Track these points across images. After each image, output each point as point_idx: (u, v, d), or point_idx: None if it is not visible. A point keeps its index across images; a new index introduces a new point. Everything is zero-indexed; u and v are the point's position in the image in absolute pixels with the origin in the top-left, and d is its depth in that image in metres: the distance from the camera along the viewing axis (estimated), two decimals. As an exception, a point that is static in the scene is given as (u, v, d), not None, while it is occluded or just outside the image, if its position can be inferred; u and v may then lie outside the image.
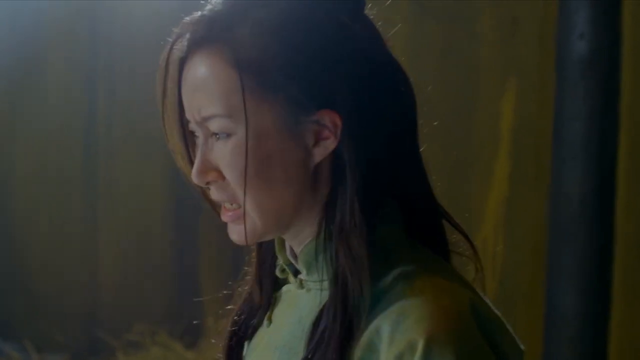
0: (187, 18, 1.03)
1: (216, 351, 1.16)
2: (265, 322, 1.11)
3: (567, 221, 2.51)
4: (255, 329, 1.13)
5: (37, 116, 3.86)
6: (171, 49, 1.02)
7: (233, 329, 1.14)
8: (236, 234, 1.04)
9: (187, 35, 1.01)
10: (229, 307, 1.16)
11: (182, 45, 1.02)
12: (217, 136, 1.01)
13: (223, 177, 1.02)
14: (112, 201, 3.78)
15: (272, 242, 1.11)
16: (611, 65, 2.48)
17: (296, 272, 1.09)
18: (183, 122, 1.04)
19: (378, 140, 1.00)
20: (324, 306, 1.00)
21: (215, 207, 1.07)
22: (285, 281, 1.11)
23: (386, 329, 0.95)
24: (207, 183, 1.03)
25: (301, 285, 1.07)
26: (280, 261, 1.10)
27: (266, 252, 1.12)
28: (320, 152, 1.01)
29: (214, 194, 1.04)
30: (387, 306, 0.96)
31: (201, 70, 1.01)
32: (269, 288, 1.12)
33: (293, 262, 1.08)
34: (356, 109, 0.99)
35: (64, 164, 3.84)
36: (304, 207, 1.03)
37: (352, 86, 0.99)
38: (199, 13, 1.02)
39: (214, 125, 1.01)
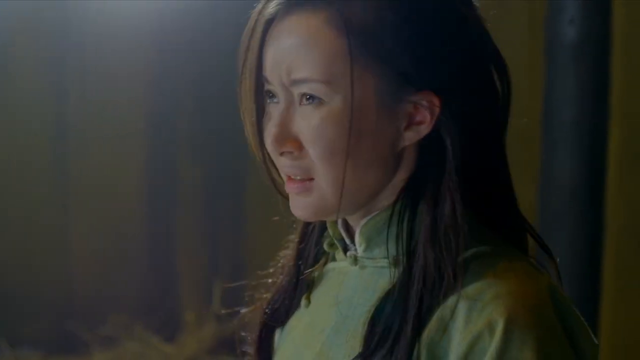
0: None
1: (203, 344, 1.11)
2: (304, 302, 1.06)
3: (557, 207, 2.50)
4: (288, 314, 1.08)
5: (6, 113, 3.80)
6: (265, 6, 0.96)
7: (264, 320, 1.08)
8: (301, 208, 0.98)
9: None
10: (260, 295, 1.11)
11: (272, 3, 0.96)
12: (306, 102, 0.95)
13: (300, 148, 0.96)
14: (84, 193, 3.73)
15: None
16: (601, 51, 2.47)
17: (344, 248, 1.04)
18: (258, 85, 0.97)
19: (474, 129, 0.96)
20: (389, 291, 0.95)
21: (274, 178, 1.01)
22: (326, 258, 1.06)
23: (462, 308, 0.91)
24: (282, 153, 0.96)
25: (355, 261, 1.01)
26: (329, 234, 1.05)
27: (311, 229, 1.07)
28: (411, 137, 0.96)
29: (285, 164, 0.97)
30: (463, 286, 0.92)
31: (300, 31, 0.95)
32: (308, 267, 1.07)
33: (345, 236, 1.03)
34: (457, 94, 0.95)
35: (34, 158, 3.78)
36: (379, 190, 0.98)
37: (457, 73, 0.95)
38: None
39: (305, 90, 0.94)
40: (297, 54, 0.95)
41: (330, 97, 0.94)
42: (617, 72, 2.48)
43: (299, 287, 1.07)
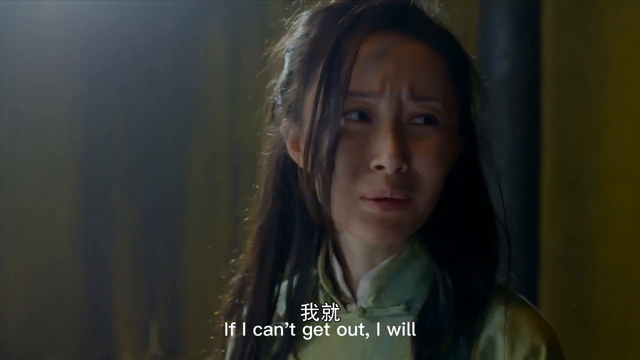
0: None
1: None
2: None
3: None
4: None
5: None
6: (362, 23, 0.99)
7: None
8: (392, 227, 0.99)
9: (385, 13, 1.00)
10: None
11: (372, 19, 0.99)
12: (420, 121, 0.99)
13: (410, 165, 0.98)
14: (16, 229, 3.66)
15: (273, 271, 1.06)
16: (533, 83, 2.51)
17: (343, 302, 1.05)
18: (345, 97, 0.97)
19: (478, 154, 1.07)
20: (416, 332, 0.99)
21: (324, 208, 1.00)
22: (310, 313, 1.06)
23: (501, 338, 0.98)
24: (398, 169, 0.97)
25: (363, 313, 1.02)
26: (324, 288, 1.04)
27: (269, 273, 1.07)
28: (452, 165, 1.02)
29: (385, 180, 0.97)
30: (491, 318, 0.99)
31: (422, 51, 0.99)
32: (296, 322, 1.06)
33: (345, 289, 1.03)
34: (473, 135, 1.06)
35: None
36: None
37: (473, 117, 1.06)
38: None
39: (425, 108, 0.98)
40: (421, 72, 0.98)
41: (445, 118, 0.99)
42: (548, 103, 2.52)
43: (274, 344, 1.06)
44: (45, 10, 3.44)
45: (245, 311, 1.07)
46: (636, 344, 2.45)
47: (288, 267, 1.08)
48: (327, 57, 0.97)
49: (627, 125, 2.46)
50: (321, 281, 1.04)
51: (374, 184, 0.97)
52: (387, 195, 0.97)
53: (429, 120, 0.98)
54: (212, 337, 1.09)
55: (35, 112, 3.49)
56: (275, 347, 1.06)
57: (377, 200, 0.97)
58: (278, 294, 1.07)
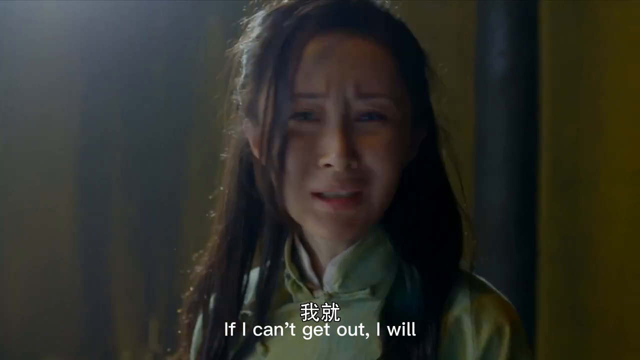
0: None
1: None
2: (259, 348, 1.06)
3: (489, 235, 2.53)
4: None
5: None
6: (304, 24, 0.99)
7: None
8: (342, 224, 1.00)
9: (325, 13, 1.00)
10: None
11: (315, 20, 1.00)
12: (367, 117, 0.99)
13: (359, 162, 0.99)
14: (15, 229, 3.66)
15: (242, 257, 1.07)
16: (530, 82, 2.52)
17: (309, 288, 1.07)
18: (291, 99, 0.99)
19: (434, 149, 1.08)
20: (384, 316, 1.01)
21: (279, 205, 1.02)
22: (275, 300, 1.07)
23: (467, 319, 1.01)
24: (347, 166, 0.99)
25: (330, 298, 1.04)
26: (290, 275, 1.06)
27: (237, 269, 1.08)
28: (410, 156, 1.04)
29: (334, 177, 0.99)
30: (456, 300, 1.02)
31: (365, 49, 0.99)
32: (263, 309, 1.07)
33: (312, 275, 1.05)
34: (432, 124, 1.07)
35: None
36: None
37: (430, 106, 1.08)
38: None
39: (372, 105, 0.99)
40: (365, 70, 0.99)
41: (393, 113, 1.00)
42: (545, 103, 2.52)
43: (242, 332, 1.07)
44: (44, 10, 3.44)
45: (211, 305, 1.09)
46: (632, 343, 2.46)
47: (260, 258, 1.10)
48: (275, 60, 0.99)
49: (624, 124, 2.47)
50: (287, 269, 1.06)
51: (323, 181, 0.99)
52: (338, 190, 0.99)
53: (378, 116, 1.00)
54: (179, 332, 1.10)
55: (33, 112, 3.50)
56: (242, 336, 1.08)
57: (328, 199, 1.00)
58: (246, 287, 1.09)
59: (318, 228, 1.00)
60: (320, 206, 0.99)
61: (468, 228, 1.08)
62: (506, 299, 1.07)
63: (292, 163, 0.99)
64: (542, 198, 2.52)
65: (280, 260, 1.09)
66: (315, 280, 1.05)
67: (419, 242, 1.04)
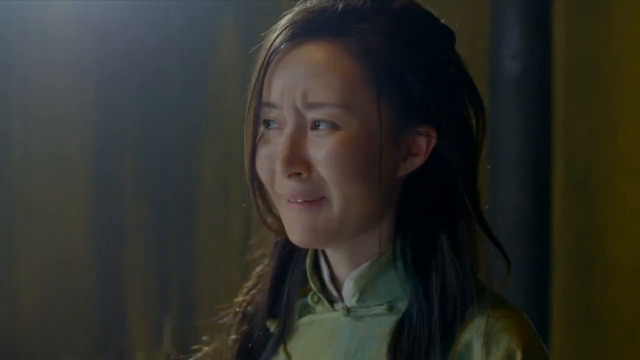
0: (302, 5, 1.01)
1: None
2: (282, 355, 1.07)
3: (503, 236, 2.52)
4: None
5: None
6: (278, 35, 1.00)
7: None
8: (302, 229, 1.00)
9: (299, 22, 1.00)
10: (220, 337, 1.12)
11: (284, 32, 1.00)
12: (319, 127, 0.99)
13: (310, 170, 0.99)
14: (29, 229, 3.68)
15: (291, 268, 1.08)
16: (544, 83, 2.52)
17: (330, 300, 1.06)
18: (260, 108, 1.01)
19: (463, 161, 1.04)
20: (399, 326, 1.00)
21: (261, 208, 1.04)
22: (302, 311, 1.08)
23: (477, 341, 0.99)
24: (290, 175, 1.00)
25: (348, 312, 1.04)
26: (311, 287, 1.07)
27: (280, 277, 1.09)
28: (406, 168, 1.02)
29: (290, 186, 1.00)
30: (471, 321, 1.00)
31: (318, 57, 0.99)
32: (288, 317, 1.08)
33: (332, 289, 1.05)
34: (451, 128, 1.02)
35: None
36: (375, 219, 1.02)
37: (451, 109, 1.02)
38: (316, 3, 1.01)
39: (321, 114, 0.98)
40: (314, 79, 0.98)
41: (347, 122, 0.98)
42: (559, 103, 2.52)
43: (271, 338, 1.09)
44: (56, 11, 3.45)
45: (250, 308, 1.10)
46: (647, 342, 2.45)
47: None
48: (256, 70, 1.02)
49: (638, 124, 2.46)
50: (309, 280, 1.07)
51: (285, 187, 1.01)
52: (297, 197, 1.00)
53: (330, 125, 0.99)
54: (223, 320, 1.11)
55: (47, 113, 3.51)
56: (268, 343, 1.10)
57: (292, 203, 1.01)
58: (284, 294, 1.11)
59: (288, 232, 1.02)
60: (287, 208, 1.01)
61: (483, 242, 1.07)
62: (525, 319, 1.04)
63: (260, 171, 1.02)
64: (556, 198, 2.52)
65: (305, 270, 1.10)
66: (334, 293, 1.06)
67: (431, 258, 1.01)
